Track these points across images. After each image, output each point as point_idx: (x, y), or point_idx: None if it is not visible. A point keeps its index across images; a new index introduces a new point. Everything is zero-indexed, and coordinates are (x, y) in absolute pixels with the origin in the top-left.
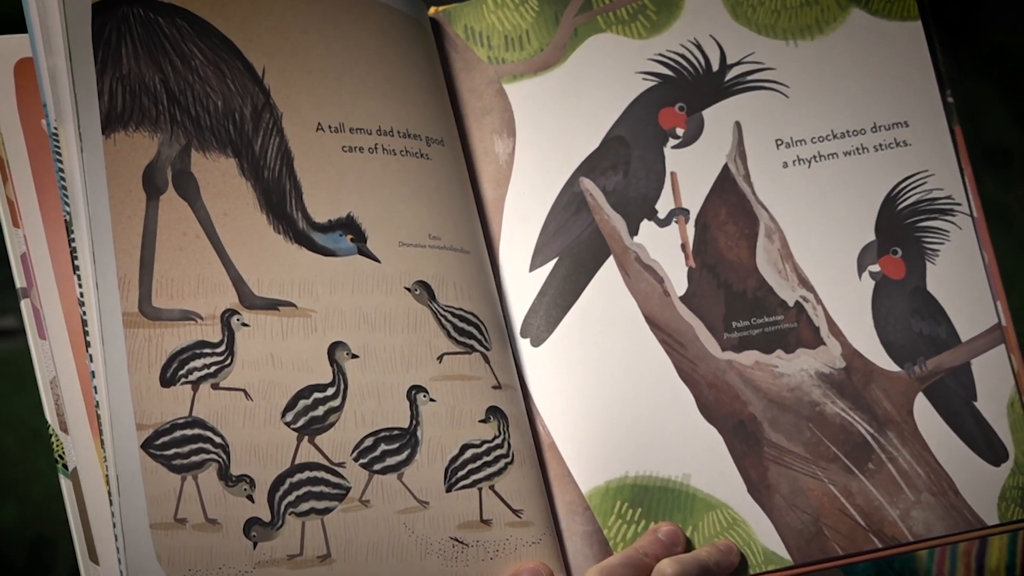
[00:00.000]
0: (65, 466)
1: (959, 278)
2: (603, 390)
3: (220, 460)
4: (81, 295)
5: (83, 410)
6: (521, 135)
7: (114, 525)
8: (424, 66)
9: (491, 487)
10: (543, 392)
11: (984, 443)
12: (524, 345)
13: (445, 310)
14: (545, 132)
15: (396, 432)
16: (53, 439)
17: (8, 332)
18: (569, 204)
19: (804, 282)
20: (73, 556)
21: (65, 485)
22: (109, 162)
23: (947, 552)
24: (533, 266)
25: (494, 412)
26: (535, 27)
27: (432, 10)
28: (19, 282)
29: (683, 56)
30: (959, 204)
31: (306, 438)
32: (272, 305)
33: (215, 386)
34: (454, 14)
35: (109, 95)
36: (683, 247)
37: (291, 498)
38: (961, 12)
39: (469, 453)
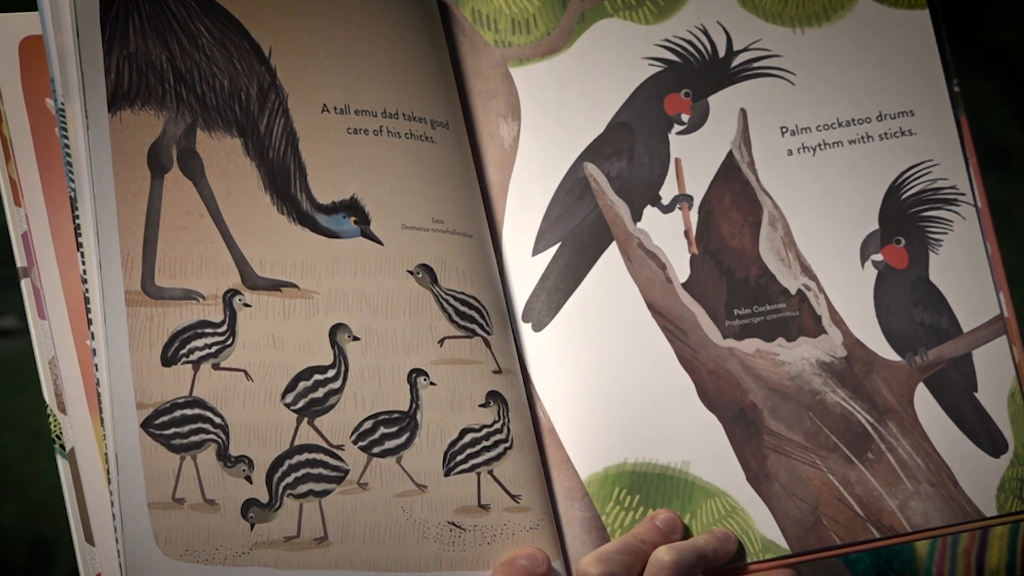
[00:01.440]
0: (62, 446)
1: (962, 268)
2: (604, 376)
3: (219, 440)
4: (84, 273)
5: (81, 390)
6: (526, 119)
7: (112, 504)
8: (430, 49)
9: (490, 472)
10: (544, 377)
11: (984, 434)
12: (526, 330)
13: (447, 294)
14: (550, 116)
15: (396, 415)
16: (51, 419)
17: (8, 332)
18: (573, 189)
19: (807, 270)
20: (73, 555)
21: (62, 465)
22: (114, 140)
23: (947, 552)
24: (536, 251)
25: (494, 397)
26: (542, 11)
27: None
28: (20, 261)
29: (689, 42)
30: (963, 194)
31: (305, 420)
32: (274, 286)
33: (216, 366)
34: None
35: (116, 73)
36: (686, 234)
37: (289, 480)
38: (962, 11)
39: (468, 437)
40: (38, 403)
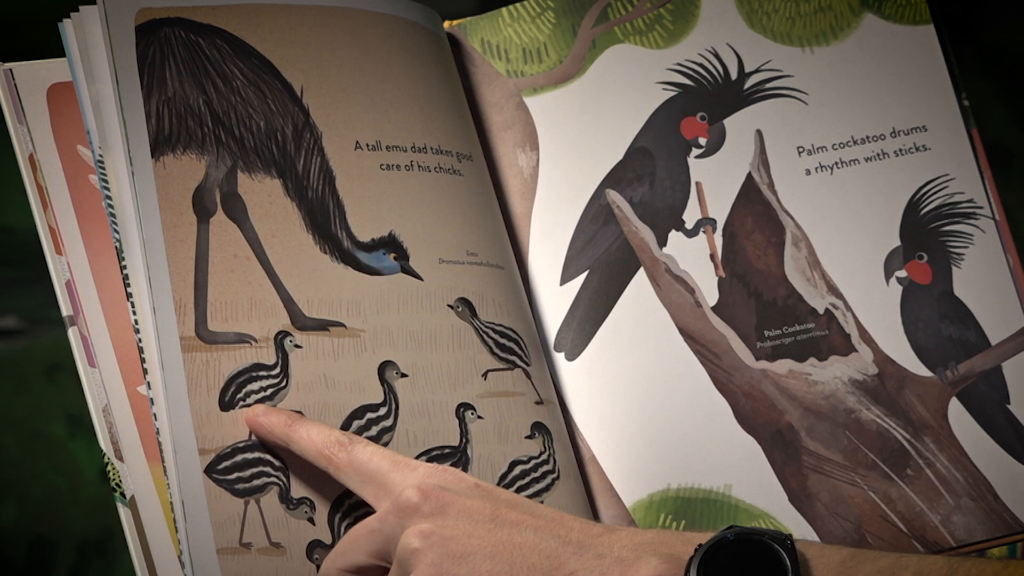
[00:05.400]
0: (123, 495)
1: (985, 281)
2: (641, 402)
3: (281, 483)
4: (136, 321)
5: (137, 437)
6: (544, 148)
7: (181, 552)
8: (447, 81)
9: (540, 503)
10: (581, 406)
11: (1019, 445)
12: (559, 359)
13: (486, 327)
14: (568, 144)
15: (447, 450)
16: (109, 467)
17: (8, 332)
18: (596, 216)
19: (833, 289)
20: (73, 556)
21: (124, 513)
22: (160, 186)
23: None
24: (564, 280)
25: (539, 428)
26: (552, 39)
27: (447, 24)
28: (65, 310)
29: (701, 65)
30: (981, 207)
31: None
32: (323, 326)
33: None
34: (469, 28)
35: (156, 118)
36: (712, 257)
37: (350, 520)
38: (961, 12)
39: (518, 470)
40: (38, 403)
